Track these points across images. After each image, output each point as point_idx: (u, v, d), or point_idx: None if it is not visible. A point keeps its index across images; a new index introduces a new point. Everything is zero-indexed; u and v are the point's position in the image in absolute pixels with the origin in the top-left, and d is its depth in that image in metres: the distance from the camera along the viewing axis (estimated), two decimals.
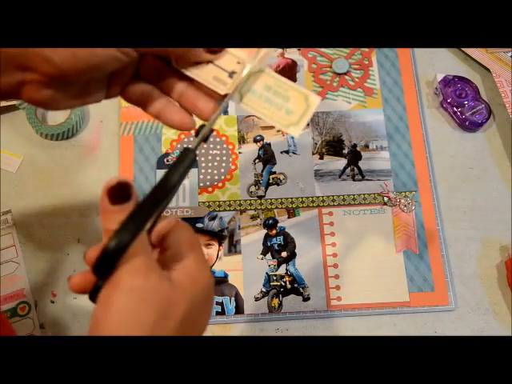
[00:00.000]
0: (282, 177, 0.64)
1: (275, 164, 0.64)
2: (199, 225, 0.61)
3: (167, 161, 0.64)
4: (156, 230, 0.34)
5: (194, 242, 0.34)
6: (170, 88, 0.37)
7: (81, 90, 0.35)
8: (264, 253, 0.61)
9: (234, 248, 0.61)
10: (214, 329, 0.58)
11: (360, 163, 0.65)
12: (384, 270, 0.60)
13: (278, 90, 0.35)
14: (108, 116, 0.66)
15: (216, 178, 0.64)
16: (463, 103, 0.65)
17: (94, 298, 0.30)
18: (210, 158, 0.64)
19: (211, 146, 0.65)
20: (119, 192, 0.30)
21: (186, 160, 0.33)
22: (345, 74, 0.68)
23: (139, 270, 0.29)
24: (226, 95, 0.35)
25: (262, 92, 0.36)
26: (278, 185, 0.64)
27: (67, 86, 0.33)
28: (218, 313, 0.58)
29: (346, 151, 0.65)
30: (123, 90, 0.37)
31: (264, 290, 0.59)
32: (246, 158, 0.65)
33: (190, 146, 0.34)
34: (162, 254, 0.34)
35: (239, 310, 0.58)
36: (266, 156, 0.65)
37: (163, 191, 0.31)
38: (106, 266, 0.29)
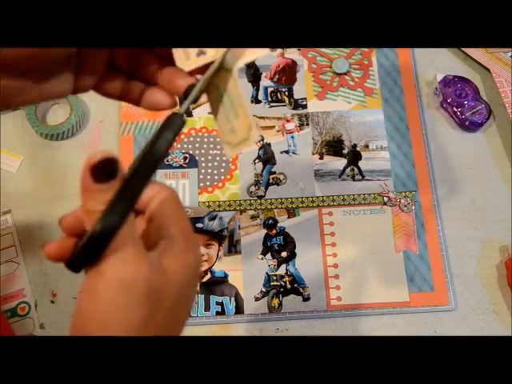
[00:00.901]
0: (281, 177, 0.64)
1: (275, 164, 0.64)
2: (199, 225, 0.61)
3: (167, 161, 0.64)
4: (144, 198, 0.31)
5: (180, 215, 0.31)
6: (145, 71, 0.34)
7: (36, 81, 0.31)
8: (264, 253, 0.61)
9: (233, 248, 0.61)
10: (214, 329, 0.58)
11: (360, 163, 0.65)
12: (384, 270, 0.60)
13: (233, 102, 0.33)
14: (108, 116, 0.66)
15: (216, 178, 0.64)
16: (463, 103, 0.65)
17: (72, 266, 0.27)
18: (209, 158, 0.64)
19: (211, 146, 0.65)
20: (103, 168, 0.26)
21: (174, 125, 0.29)
22: (345, 73, 0.68)
23: (128, 260, 0.27)
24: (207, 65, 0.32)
25: (223, 94, 0.33)
26: (277, 185, 0.64)
27: (17, 75, 0.30)
28: (217, 313, 0.58)
29: (346, 151, 0.65)
30: (98, 83, 0.35)
31: (264, 289, 0.59)
32: (246, 158, 0.65)
33: (177, 109, 0.30)
34: (147, 224, 0.31)
35: (239, 310, 0.58)
36: (266, 156, 0.65)
37: (151, 163, 0.28)
38: (91, 252, 0.26)
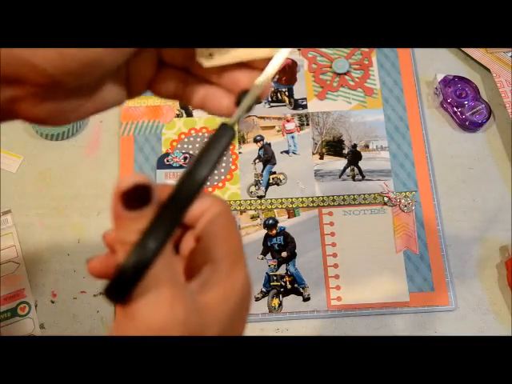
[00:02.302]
0: (282, 177, 0.64)
1: (275, 164, 0.64)
2: None
3: (167, 161, 0.64)
4: (192, 211, 0.27)
5: (231, 234, 0.28)
6: (200, 69, 0.30)
7: (89, 96, 0.29)
8: (264, 253, 0.61)
9: None
10: None
11: (360, 163, 0.65)
12: (384, 269, 0.60)
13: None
14: (108, 116, 0.66)
15: (216, 178, 0.64)
16: (463, 103, 0.65)
17: (109, 295, 0.24)
18: None
19: None
20: (135, 194, 0.23)
21: (223, 139, 0.25)
22: (345, 74, 0.68)
23: (160, 303, 0.24)
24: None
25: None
26: (278, 185, 0.64)
27: (69, 93, 0.28)
28: None
29: (346, 151, 0.65)
30: (152, 85, 0.31)
31: (264, 289, 0.59)
32: (246, 158, 0.65)
33: (227, 121, 0.27)
34: (195, 244, 0.28)
35: None
36: (266, 156, 0.65)
37: (193, 186, 0.24)
38: (120, 291, 0.23)
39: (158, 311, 0.24)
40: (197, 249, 0.28)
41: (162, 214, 0.23)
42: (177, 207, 0.24)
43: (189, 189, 0.24)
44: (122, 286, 0.23)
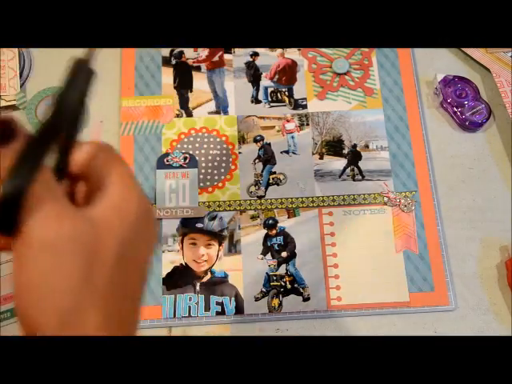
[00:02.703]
0: (282, 177, 0.64)
1: (275, 164, 0.64)
2: (199, 225, 0.61)
3: (167, 161, 0.64)
4: (74, 160, 0.29)
5: (116, 162, 0.29)
6: None
7: None
8: (264, 253, 0.61)
9: (233, 248, 0.61)
10: (214, 329, 0.58)
11: (360, 163, 0.65)
12: (384, 269, 0.60)
13: None
14: (108, 116, 0.66)
15: (216, 178, 0.64)
16: (463, 103, 0.65)
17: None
18: (209, 158, 0.64)
19: (211, 146, 0.65)
20: (3, 134, 0.25)
21: (80, 74, 0.28)
22: (345, 74, 0.68)
23: (48, 219, 0.25)
24: None
25: None
26: (277, 185, 0.64)
27: None
28: (217, 313, 0.58)
29: (346, 151, 0.65)
30: None
31: (264, 289, 0.59)
32: (246, 158, 0.65)
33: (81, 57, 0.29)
34: (87, 187, 0.29)
35: (239, 310, 0.58)
36: (266, 156, 0.65)
37: (57, 116, 0.27)
38: (5, 219, 0.24)
39: (46, 226, 0.25)
40: (89, 187, 0.29)
41: (31, 143, 0.25)
42: (44, 135, 0.26)
43: (54, 118, 0.26)
44: (6, 214, 0.24)
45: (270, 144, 0.65)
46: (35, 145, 0.25)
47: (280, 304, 0.58)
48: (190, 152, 0.64)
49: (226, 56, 0.69)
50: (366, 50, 0.69)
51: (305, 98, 0.67)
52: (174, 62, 0.69)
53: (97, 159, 0.29)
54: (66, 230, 0.25)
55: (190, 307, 0.58)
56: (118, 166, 0.29)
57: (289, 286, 0.59)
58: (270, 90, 0.68)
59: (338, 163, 0.65)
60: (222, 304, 0.58)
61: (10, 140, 0.25)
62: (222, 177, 0.64)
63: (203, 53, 0.69)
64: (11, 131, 0.25)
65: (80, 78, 0.28)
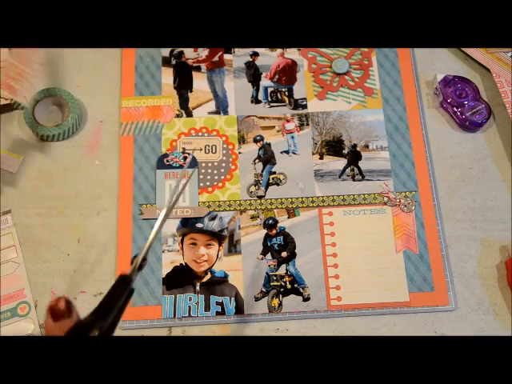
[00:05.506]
0: (281, 177, 0.64)
1: (275, 164, 0.65)
2: (199, 225, 0.61)
3: (167, 161, 0.64)
4: None
5: None
6: None
7: None
8: (264, 253, 0.61)
9: (233, 248, 0.61)
10: (214, 329, 0.58)
11: (360, 163, 0.65)
12: (384, 270, 0.60)
13: None
14: (108, 116, 0.66)
15: (216, 178, 0.64)
16: (463, 103, 0.65)
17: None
18: (209, 157, 0.64)
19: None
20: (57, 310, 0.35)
21: (121, 286, 0.37)
22: (345, 74, 0.68)
23: None
24: None
25: None
26: (277, 185, 0.64)
27: None
28: (218, 313, 0.58)
29: (346, 151, 0.65)
30: None
31: (264, 290, 0.59)
32: (246, 158, 0.65)
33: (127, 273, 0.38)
34: None
35: (239, 310, 0.58)
36: (266, 156, 0.65)
37: (101, 313, 0.34)
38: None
39: None
40: None
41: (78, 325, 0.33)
42: (90, 321, 0.33)
43: (99, 313, 0.34)
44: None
45: (269, 144, 0.65)
46: (81, 326, 0.32)
47: (280, 304, 0.58)
48: (190, 152, 0.64)
49: (226, 56, 0.69)
50: (366, 50, 0.69)
51: (305, 98, 0.67)
52: (173, 62, 0.69)
53: None
54: None
55: (189, 307, 0.58)
56: None
57: (289, 286, 0.59)
58: (269, 90, 0.68)
59: (338, 163, 0.65)
60: (222, 304, 0.58)
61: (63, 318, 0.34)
62: (222, 177, 0.64)
63: (203, 53, 0.69)
64: (65, 312, 0.34)
65: (119, 289, 0.37)
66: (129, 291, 0.39)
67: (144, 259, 0.41)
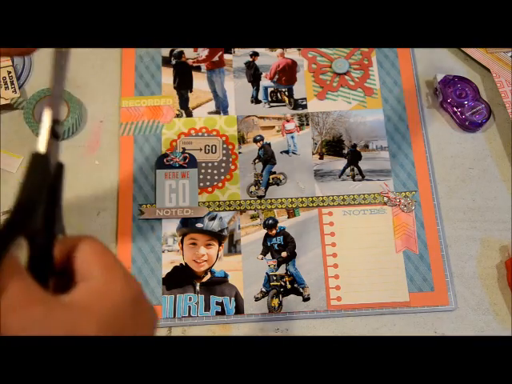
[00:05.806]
0: (281, 177, 0.64)
1: (275, 164, 0.64)
2: (199, 225, 0.61)
3: (167, 161, 0.64)
4: (56, 255, 0.30)
5: (99, 253, 0.30)
6: None
7: None
8: (264, 253, 0.61)
9: (233, 248, 0.61)
10: (214, 329, 0.58)
11: (360, 163, 0.65)
12: (384, 270, 0.60)
13: None
14: (108, 116, 0.66)
15: (216, 178, 0.64)
16: (463, 103, 0.65)
17: None
18: (209, 157, 0.64)
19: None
20: None
21: (36, 167, 0.29)
22: (345, 74, 0.68)
23: (16, 307, 0.25)
24: None
25: None
26: (277, 185, 0.64)
27: None
28: (218, 313, 0.58)
29: (345, 151, 0.65)
30: None
31: (264, 290, 0.59)
32: (246, 158, 0.65)
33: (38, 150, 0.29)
34: (71, 279, 0.30)
35: (239, 310, 0.58)
36: (266, 156, 0.65)
37: (18, 211, 0.28)
38: None
39: (13, 314, 0.25)
40: (76, 280, 0.30)
41: None
42: (5, 229, 0.27)
43: (16, 214, 0.28)
44: None
45: (269, 144, 0.65)
46: None
47: (280, 304, 0.58)
48: (190, 152, 0.64)
49: (226, 56, 0.69)
50: (366, 50, 0.69)
51: (305, 98, 0.67)
52: (173, 62, 0.69)
53: (79, 252, 0.30)
54: (36, 316, 0.25)
55: (189, 307, 0.58)
56: (101, 257, 0.30)
57: (289, 286, 0.59)
58: (269, 90, 0.68)
59: (338, 163, 0.65)
60: (221, 304, 0.58)
61: None
62: (222, 177, 0.64)
63: (203, 53, 0.69)
64: None
65: (37, 171, 0.28)
66: (56, 168, 0.29)
67: (56, 121, 0.30)
